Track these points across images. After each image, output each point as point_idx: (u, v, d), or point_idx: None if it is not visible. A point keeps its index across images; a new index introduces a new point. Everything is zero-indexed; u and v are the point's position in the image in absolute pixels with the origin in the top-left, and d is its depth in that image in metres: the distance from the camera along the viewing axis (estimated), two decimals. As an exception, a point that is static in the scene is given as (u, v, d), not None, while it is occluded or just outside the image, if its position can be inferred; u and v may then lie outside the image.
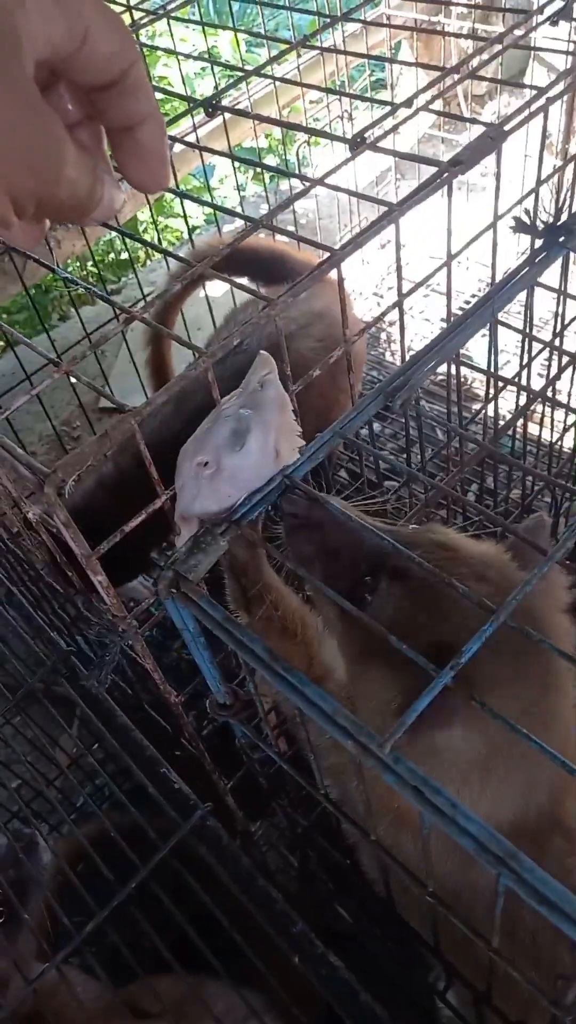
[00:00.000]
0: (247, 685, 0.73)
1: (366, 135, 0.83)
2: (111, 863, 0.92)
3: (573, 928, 0.46)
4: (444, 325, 0.83)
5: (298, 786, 1.01)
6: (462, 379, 1.88)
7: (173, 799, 0.83)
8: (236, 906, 0.87)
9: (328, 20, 1.05)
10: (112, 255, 3.29)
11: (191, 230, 2.11)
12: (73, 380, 0.70)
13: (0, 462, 0.62)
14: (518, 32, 0.97)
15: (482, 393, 1.87)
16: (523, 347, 0.94)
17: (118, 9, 1.40)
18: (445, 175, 0.76)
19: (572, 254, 0.88)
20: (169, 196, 3.61)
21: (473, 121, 0.84)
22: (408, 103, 0.85)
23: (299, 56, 1.67)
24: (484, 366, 0.86)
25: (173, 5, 1.30)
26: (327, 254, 0.72)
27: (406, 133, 2.27)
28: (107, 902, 0.88)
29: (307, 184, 0.77)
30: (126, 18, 1.38)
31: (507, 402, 1.68)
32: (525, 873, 0.49)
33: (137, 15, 1.35)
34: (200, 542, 0.67)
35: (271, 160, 3.07)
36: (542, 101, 0.83)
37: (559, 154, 1.79)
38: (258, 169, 3.66)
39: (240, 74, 0.99)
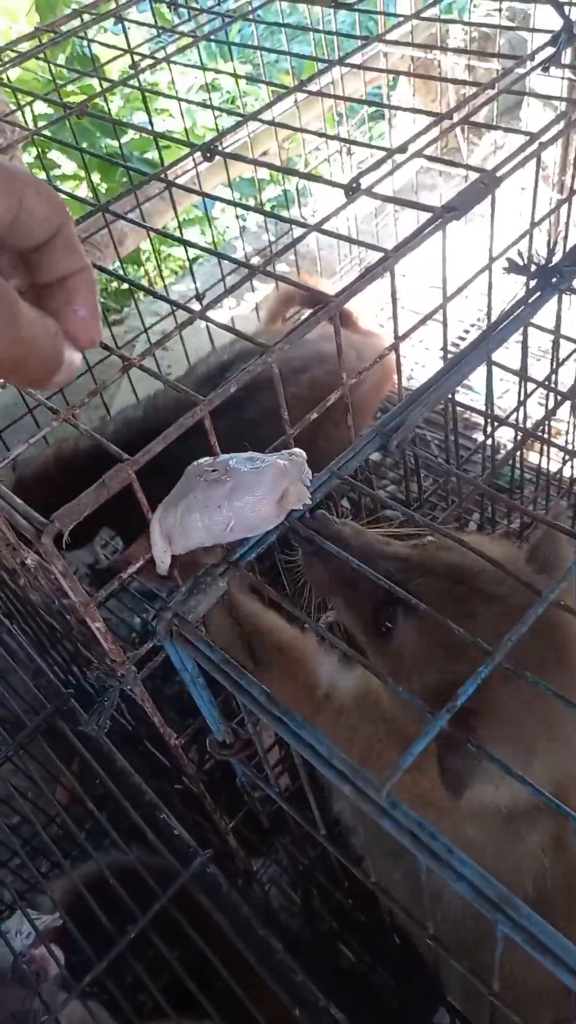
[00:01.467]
0: (247, 725, 0.73)
1: (361, 180, 0.85)
2: (112, 903, 0.92)
3: (571, 977, 0.46)
4: (442, 354, 0.84)
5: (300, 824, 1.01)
6: (463, 410, 1.89)
7: (172, 844, 0.82)
8: (236, 949, 0.87)
9: (325, 65, 1.07)
10: (115, 284, 3.32)
11: (192, 260, 2.13)
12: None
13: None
14: (509, 79, 0.99)
15: (482, 422, 1.88)
16: (520, 387, 0.95)
17: (116, 52, 1.43)
18: (439, 221, 0.77)
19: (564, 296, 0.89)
20: (172, 225, 3.66)
21: (467, 167, 0.86)
22: (403, 149, 0.87)
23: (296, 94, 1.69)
24: (484, 396, 0.87)
25: (173, 48, 1.33)
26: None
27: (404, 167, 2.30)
28: (106, 942, 0.87)
29: (305, 229, 0.79)
30: (127, 60, 1.40)
31: (508, 431, 1.68)
32: (523, 920, 0.49)
33: (137, 57, 1.38)
34: (199, 583, 0.68)
35: (272, 190, 3.11)
36: (535, 146, 0.84)
37: (555, 185, 1.81)
38: (260, 198, 3.71)
39: (239, 118, 1.01)
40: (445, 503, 1.42)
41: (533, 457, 1.54)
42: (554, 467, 1.35)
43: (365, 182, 0.83)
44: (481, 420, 1.87)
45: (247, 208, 1.16)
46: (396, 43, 1.51)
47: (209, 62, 3.18)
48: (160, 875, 0.87)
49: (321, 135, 1.43)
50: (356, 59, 2.30)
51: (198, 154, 0.96)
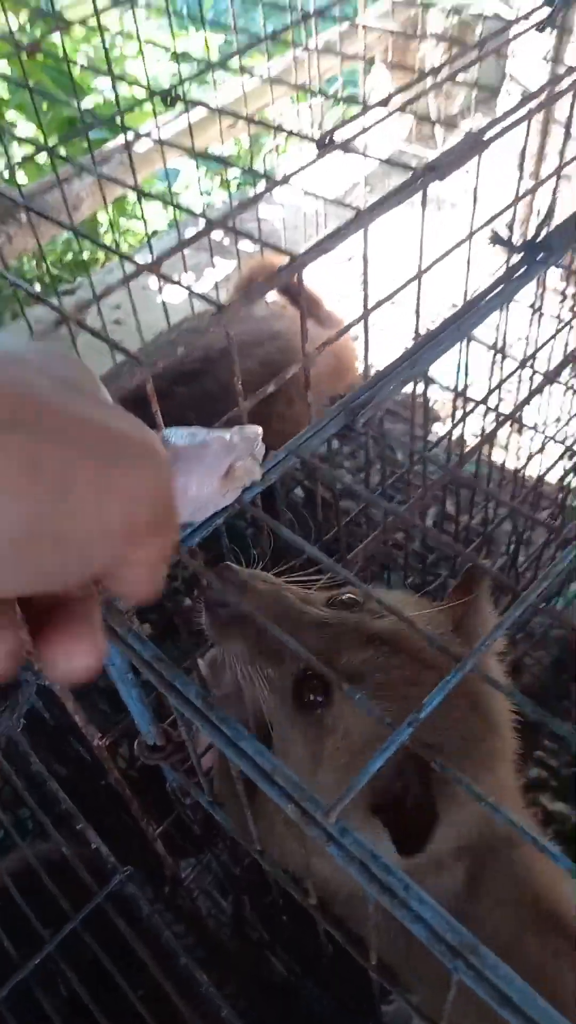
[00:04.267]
0: (180, 727, 0.66)
1: (335, 137, 0.78)
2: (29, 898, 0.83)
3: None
4: (412, 342, 0.77)
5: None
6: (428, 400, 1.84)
7: (89, 859, 0.74)
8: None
9: (300, 17, 1.00)
10: (71, 254, 3.19)
11: (150, 235, 2.03)
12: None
13: None
14: (495, 42, 0.93)
15: (444, 413, 1.83)
16: (493, 365, 0.89)
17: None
18: (420, 180, 0.70)
19: (547, 273, 0.84)
20: (131, 198, 3.52)
21: (454, 127, 0.79)
22: (384, 103, 0.80)
23: (269, 59, 1.60)
24: (449, 385, 0.80)
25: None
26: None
27: (378, 146, 2.23)
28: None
29: (272, 185, 0.71)
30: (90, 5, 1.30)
31: (470, 425, 1.63)
32: (487, 970, 0.43)
33: (101, 3, 1.28)
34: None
35: (237, 171, 3.01)
36: (524, 110, 0.78)
37: (532, 175, 1.76)
38: (225, 175, 3.60)
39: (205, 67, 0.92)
40: (403, 496, 1.36)
41: (496, 455, 1.49)
42: (519, 464, 1.31)
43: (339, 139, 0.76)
44: (443, 412, 1.82)
45: (214, 160, 1.07)
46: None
47: (180, 33, 3.06)
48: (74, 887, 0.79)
49: (293, 87, 1.35)
50: (333, 33, 2.22)
51: (164, 113, 0.88)
